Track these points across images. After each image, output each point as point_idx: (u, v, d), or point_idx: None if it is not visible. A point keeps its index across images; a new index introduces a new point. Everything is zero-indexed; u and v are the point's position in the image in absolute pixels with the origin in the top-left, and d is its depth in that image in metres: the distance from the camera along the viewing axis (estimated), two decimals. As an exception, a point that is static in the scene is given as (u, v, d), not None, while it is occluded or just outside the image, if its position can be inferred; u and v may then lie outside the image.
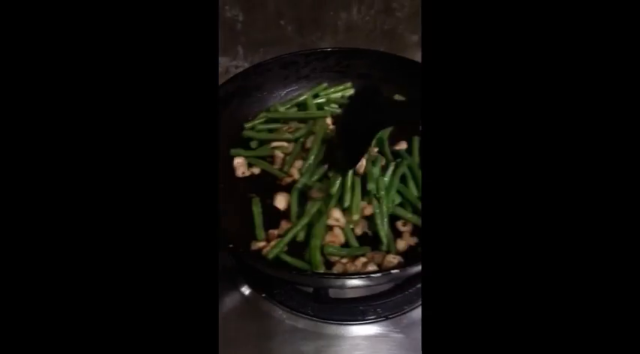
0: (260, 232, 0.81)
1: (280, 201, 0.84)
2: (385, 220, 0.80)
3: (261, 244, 0.80)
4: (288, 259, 0.77)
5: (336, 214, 0.80)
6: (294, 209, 0.83)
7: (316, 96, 1.03)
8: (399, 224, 0.82)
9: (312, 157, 0.88)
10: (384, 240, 0.78)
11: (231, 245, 0.70)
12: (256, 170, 0.92)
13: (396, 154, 0.92)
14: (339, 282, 0.68)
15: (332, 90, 1.04)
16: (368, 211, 0.82)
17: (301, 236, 0.79)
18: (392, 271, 0.64)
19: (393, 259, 0.76)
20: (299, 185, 0.86)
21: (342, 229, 0.80)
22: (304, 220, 0.79)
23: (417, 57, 1.28)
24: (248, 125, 0.97)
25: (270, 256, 0.76)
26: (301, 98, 1.01)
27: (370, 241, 0.80)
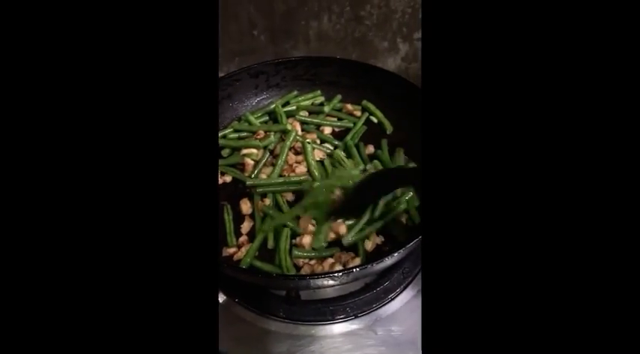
0: (231, 238, 0.83)
1: (244, 206, 0.87)
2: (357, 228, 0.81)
3: (232, 250, 0.82)
4: (258, 264, 0.79)
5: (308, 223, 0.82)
6: (257, 215, 0.86)
7: (286, 104, 1.05)
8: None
9: (280, 163, 0.91)
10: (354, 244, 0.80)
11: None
12: (228, 178, 0.93)
13: (371, 157, 0.95)
14: (303, 282, 0.70)
15: (302, 98, 1.07)
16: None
17: (271, 243, 0.82)
18: (354, 270, 0.66)
19: (359, 259, 0.78)
20: (259, 189, 0.88)
21: (312, 234, 0.82)
22: (260, 235, 0.82)
23: (388, 63, 1.32)
24: (220, 134, 0.99)
25: (244, 264, 0.78)
26: (272, 106, 1.03)
27: (339, 242, 0.82)
